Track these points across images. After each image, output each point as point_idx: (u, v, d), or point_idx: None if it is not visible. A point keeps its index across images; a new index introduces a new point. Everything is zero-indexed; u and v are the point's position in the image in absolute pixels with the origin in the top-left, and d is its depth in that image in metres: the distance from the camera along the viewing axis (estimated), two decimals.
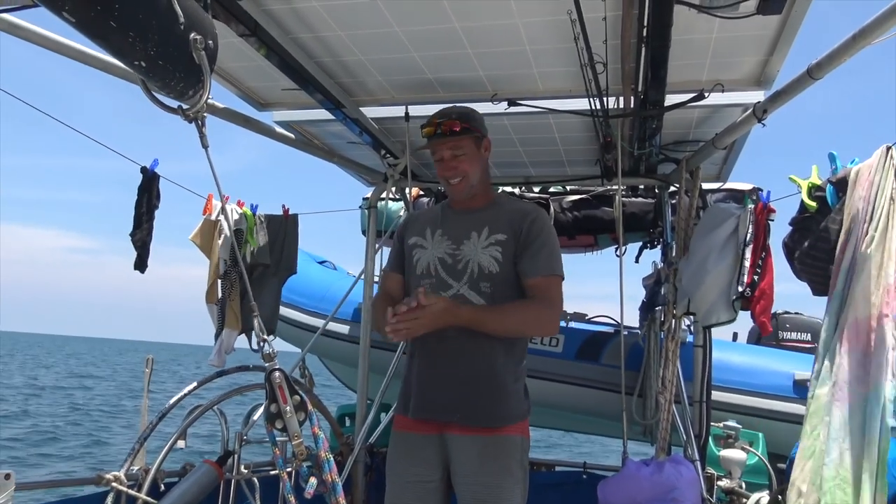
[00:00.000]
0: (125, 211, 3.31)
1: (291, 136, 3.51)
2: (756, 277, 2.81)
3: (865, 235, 2.16)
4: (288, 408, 1.64)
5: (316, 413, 1.89)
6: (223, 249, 3.55)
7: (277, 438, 1.75)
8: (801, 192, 2.51)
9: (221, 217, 3.39)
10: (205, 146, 1.28)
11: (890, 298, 2.08)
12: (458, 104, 2.48)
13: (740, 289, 2.82)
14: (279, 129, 3.41)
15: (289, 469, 1.79)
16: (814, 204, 2.45)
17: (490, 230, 2.32)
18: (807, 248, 2.40)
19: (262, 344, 1.65)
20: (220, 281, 3.59)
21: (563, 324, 4.58)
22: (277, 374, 1.65)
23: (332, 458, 1.77)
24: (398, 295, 2.42)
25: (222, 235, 3.53)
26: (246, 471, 2.86)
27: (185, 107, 1.25)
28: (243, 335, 3.76)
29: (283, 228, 3.91)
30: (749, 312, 2.98)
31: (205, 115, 1.26)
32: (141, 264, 3.17)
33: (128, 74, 2.28)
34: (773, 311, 5.61)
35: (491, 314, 2.22)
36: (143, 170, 3.12)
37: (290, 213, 3.98)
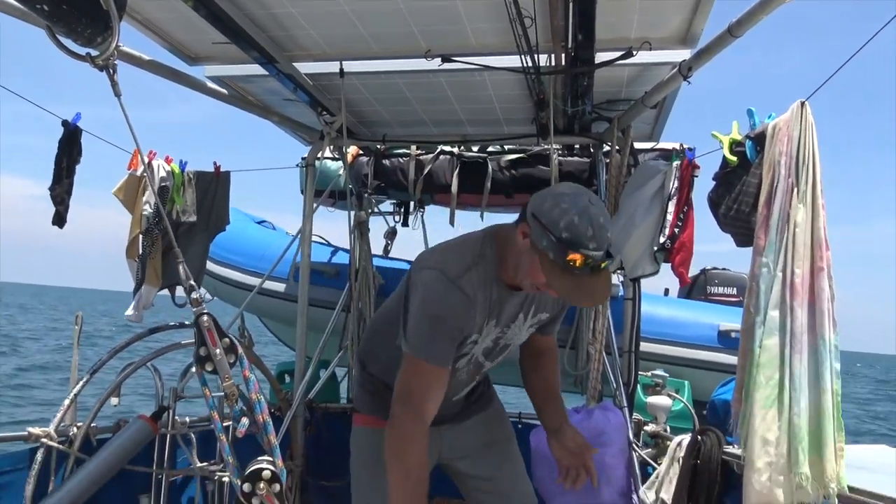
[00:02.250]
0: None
1: (225, 91, 3.45)
2: (677, 230, 2.91)
3: (793, 189, 2.25)
4: (218, 350, 1.65)
5: (252, 368, 1.91)
6: (147, 205, 3.50)
7: (208, 381, 1.77)
8: (722, 148, 2.61)
9: (147, 173, 3.32)
10: (117, 94, 1.26)
11: (823, 252, 2.20)
12: (597, 222, 1.80)
13: (662, 240, 2.92)
14: (211, 85, 3.34)
15: (226, 413, 1.82)
16: (734, 159, 2.54)
17: (536, 310, 2.18)
18: (730, 201, 2.50)
19: (189, 290, 1.65)
20: (141, 237, 3.55)
21: None
22: (205, 317, 1.66)
23: (262, 400, 1.80)
24: None
25: (146, 191, 3.48)
26: (182, 425, 2.87)
27: (94, 54, 1.23)
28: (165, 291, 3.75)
29: (214, 186, 3.86)
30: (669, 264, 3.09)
31: (115, 62, 1.24)
32: (59, 220, 3.10)
33: (33, 18, 2.18)
34: (702, 267, 5.87)
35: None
36: (65, 123, 3.02)
37: (223, 170, 3.93)
